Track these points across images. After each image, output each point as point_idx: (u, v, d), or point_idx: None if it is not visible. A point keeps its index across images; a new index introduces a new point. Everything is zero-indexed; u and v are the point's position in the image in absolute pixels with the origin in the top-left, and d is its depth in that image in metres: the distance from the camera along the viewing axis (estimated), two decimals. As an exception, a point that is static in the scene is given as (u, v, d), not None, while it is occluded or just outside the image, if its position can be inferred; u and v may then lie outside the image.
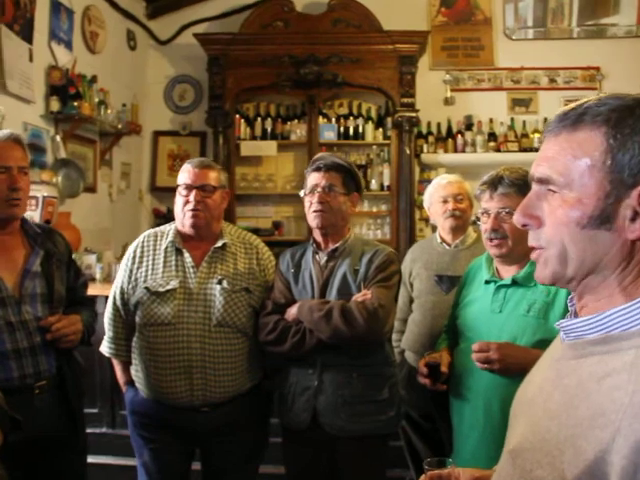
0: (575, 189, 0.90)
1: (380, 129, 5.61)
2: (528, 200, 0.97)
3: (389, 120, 5.51)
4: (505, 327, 1.97)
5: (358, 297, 2.23)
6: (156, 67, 6.02)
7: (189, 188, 2.38)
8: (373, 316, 2.17)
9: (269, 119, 5.72)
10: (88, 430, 2.48)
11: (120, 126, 5.10)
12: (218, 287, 2.35)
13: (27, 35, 3.97)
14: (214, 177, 2.42)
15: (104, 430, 3.36)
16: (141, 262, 2.43)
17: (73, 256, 3.27)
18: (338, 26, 5.40)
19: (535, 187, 0.96)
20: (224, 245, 2.43)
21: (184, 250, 2.40)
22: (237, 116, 5.66)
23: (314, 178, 2.37)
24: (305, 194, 2.39)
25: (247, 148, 5.66)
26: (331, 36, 5.36)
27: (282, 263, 2.46)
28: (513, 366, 1.82)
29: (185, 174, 2.40)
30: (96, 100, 4.76)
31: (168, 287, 2.34)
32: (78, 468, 2.27)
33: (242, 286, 2.39)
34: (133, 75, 5.72)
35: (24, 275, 2.15)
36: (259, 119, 5.71)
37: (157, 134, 6.08)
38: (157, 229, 2.51)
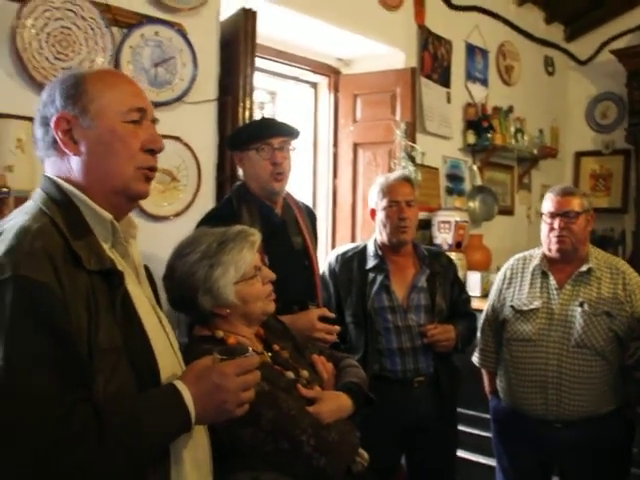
0: None
1: None
2: None
3: None
4: None
5: None
6: (576, 88, 6.08)
7: (553, 216, 2.53)
8: None
9: None
10: (469, 429, 2.81)
11: (535, 151, 5.35)
12: (579, 309, 2.44)
13: (445, 80, 4.57)
14: (577, 203, 2.52)
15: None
16: (510, 283, 2.67)
17: (478, 275, 3.71)
18: None
19: None
20: (589, 269, 2.50)
21: (549, 273, 2.56)
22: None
23: None
24: None
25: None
26: None
27: None
28: None
29: (548, 202, 2.56)
30: (512, 129, 5.11)
31: (531, 306, 2.53)
32: (448, 458, 2.64)
33: (603, 310, 2.43)
34: (551, 99, 5.90)
35: (411, 289, 2.62)
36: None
37: (578, 155, 6.12)
38: (526, 253, 2.72)
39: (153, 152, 1.34)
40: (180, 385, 1.21)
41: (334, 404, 1.74)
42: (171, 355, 1.36)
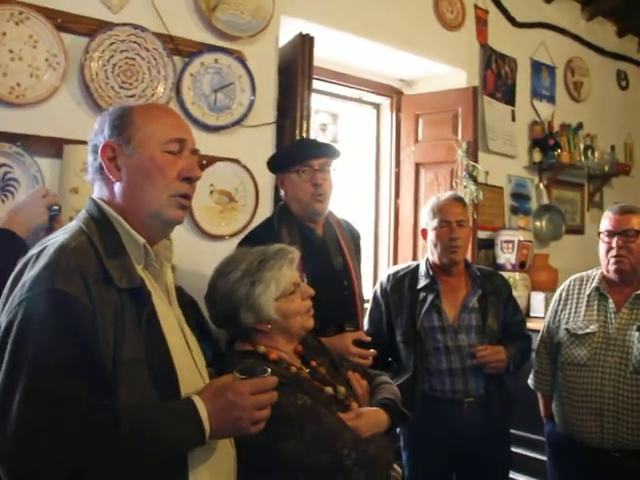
0: None
1: None
2: None
3: None
4: None
5: None
6: (653, 102, 5.89)
7: (611, 235, 2.46)
8: None
9: None
10: (525, 452, 2.75)
11: (607, 168, 5.19)
12: (637, 334, 2.35)
13: (509, 98, 4.53)
14: (636, 222, 2.44)
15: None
16: (565, 304, 2.60)
17: (542, 295, 3.61)
18: None
19: None
20: (647, 291, 2.42)
21: (607, 295, 2.48)
22: None
23: None
24: None
25: None
26: None
27: None
28: None
29: (606, 221, 2.49)
30: (581, 146, 4.98)
31: (587, 330, 2.46)
32: (500, 480, 2.60)
33: (663, 334, 2.34)
34: (625, 114, 5.71)
35: (462, 309, 2.60)
36: None
37: (655, 171, 5.90)
38: (584, 273, 2.64)
39: (190, 180, 1.42)
40: (197, 399, 1.28)
41: (372, 419, 1.76)
42: (194, 373, 1.43)
